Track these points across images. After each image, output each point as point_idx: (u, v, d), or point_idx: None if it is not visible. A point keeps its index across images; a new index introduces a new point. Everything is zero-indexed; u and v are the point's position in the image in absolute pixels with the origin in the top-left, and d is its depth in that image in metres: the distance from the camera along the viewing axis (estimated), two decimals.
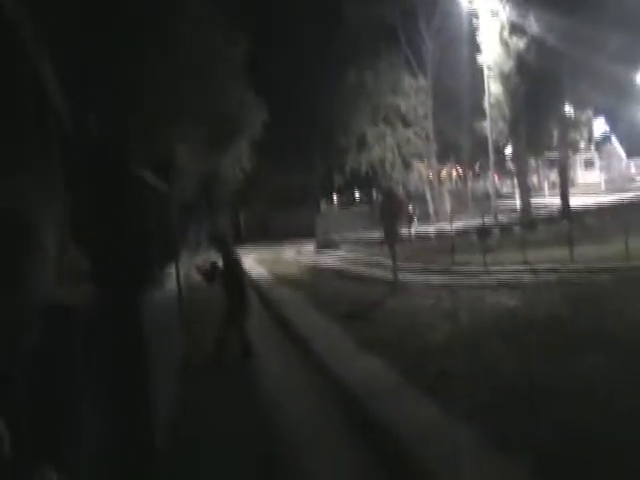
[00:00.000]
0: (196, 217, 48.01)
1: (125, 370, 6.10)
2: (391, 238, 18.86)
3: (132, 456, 5.99)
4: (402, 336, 12.77)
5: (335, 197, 63.71)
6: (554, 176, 61.92)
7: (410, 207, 38.32)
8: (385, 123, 50.05)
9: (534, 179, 66.86)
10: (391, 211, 18.54)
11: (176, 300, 13.13)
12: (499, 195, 55.00)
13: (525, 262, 20.64)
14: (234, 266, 13.37)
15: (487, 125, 35.32)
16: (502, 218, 37.96)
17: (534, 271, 19.09)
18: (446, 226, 34.76)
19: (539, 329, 12.10)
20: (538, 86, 32.10)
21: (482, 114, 36.61)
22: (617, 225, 23.02)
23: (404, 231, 31.37)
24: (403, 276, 20.79)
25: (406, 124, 50.02)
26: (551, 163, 60.15)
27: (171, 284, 12.25)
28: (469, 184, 62.05)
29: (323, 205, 59.60)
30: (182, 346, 12.98)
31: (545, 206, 42.77)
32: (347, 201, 63.94)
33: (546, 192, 50.67)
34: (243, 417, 9.40)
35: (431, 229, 35.23)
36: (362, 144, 49.87)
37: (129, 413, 6.02)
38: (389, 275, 19.82)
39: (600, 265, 18.23)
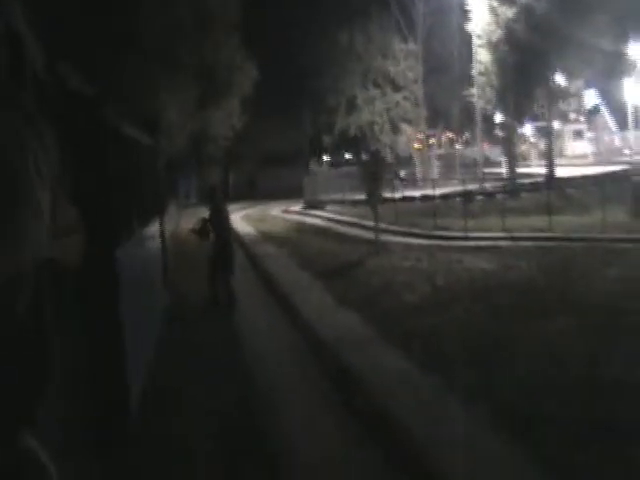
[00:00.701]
0: (186, 172, 48.39)
1: (99, 326, 5.97)
2: (373, 200, 19.30)
3: (105, 415, 5.90)
4: (377, 293, 13.30)
5: (325, 157, 63.95)
6: (543, 146, 62.32)
7: (397, 171, 38.76)
8: (375, 86, 50.33)
9: (523, 148, 67.21)
10: (373, 174, 18.97)
11: (159, 253, 13.08)
12: (489, 163, 55.42)
13: (504, 229, 21.19)
14: (222, 217, 13.90)
15: (475, 93, 35.67)
16: (488, 185, 38.44)
17: (512, 238, 19.63)
18: (433, 190, 35.21)
19: (510, 291, 12.63)
20: (526, 56, 32.41)
21: (471, 82, 36.95)
22: (598, 196, 23.58)
23: (389, 194, 31.86)
24: (385, 237, 21.31)
25: (395, 88, 50.31)
26: (541, 133, 60.49)
27: (155, 236, 12.37)
28: (458, 150, 62.42)
29: (313, 165, 59.86)
30: (164, 298, 12.92)
31: (532, 175, 43.26)
32: (337, 162, 64.20)
33: (533, 161, 51.09)
34: (223, 364, 9.89)
35: (417, 193, 35.65)
36: (351, 106, 50.17)
37: (102, 372, 5.89)
38: (371, 235, 20.29)
39: (575, 234, 18.80)
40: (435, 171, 53.21)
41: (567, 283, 12.87)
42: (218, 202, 14.17)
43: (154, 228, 12.27)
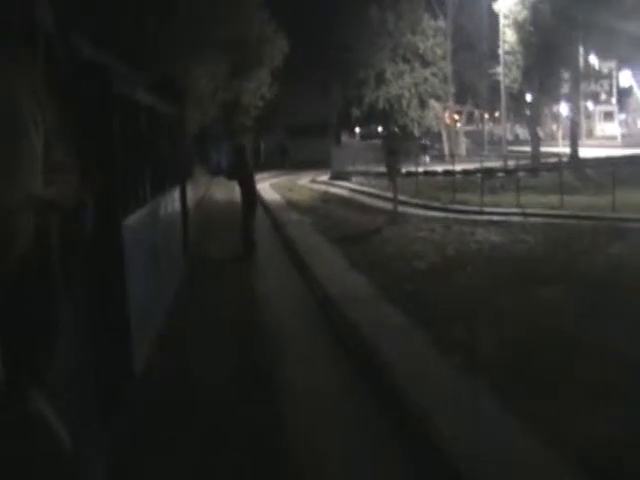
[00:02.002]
0: (218, 141, 49.43)
1: (105, 292, 5.85)
2: (392, 173, 20.24)
3: (108, 380, 5.70)
4: (389, 259, 14.25)
5: (358, 129, 64.63)
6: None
7: (423, 143, 39.44)
8: (403, 61, 51.03)
9: (553, 127, 67.43)
10: (393, 148, 19.92)
11: (179, 220, 13.14)
12: (519, 141, 55.87)
13: (518, 205, 21.99)
14: (247, 173, 16.29)
15: (501, 71, 36.30)
16: (512, 163, 39.06)
17: (524, 214, 20.46)
18: (459, 166, 36.00)
19: (511, 262, 13.55)
20: (551, 37, 32.94)
21: (498, 60, 37.56)
22: (617, 178, 24.24)
23: (413, 168, 32.73)
24: (404, 209, 22.26)
25: (424, 64, 51.00)
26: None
27: (175, 204, 12.54)
28: (488, 127, 62.92)
29: (344, 137, 60.58)
30: (180, 265, 12.78)
31: (557, 154, 43.78)
32: (368, 134, 64.84)
33: (560, 141, 51.57)
34: (240, 314, 10.93)
35: (440, 168, 36.37)
36: (380, 80, 50.91)
37: (107, 336, 5.76)
38: (391, 206, 21.20)
39: (585, 213, 19.59)
40: (463, 147, 53.87)
41: (566, 256, 13.71)
42: (245, 158, 16.77)
43: (174, 195, 12.41)
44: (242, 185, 16.31)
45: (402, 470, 5.67)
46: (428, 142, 53.06)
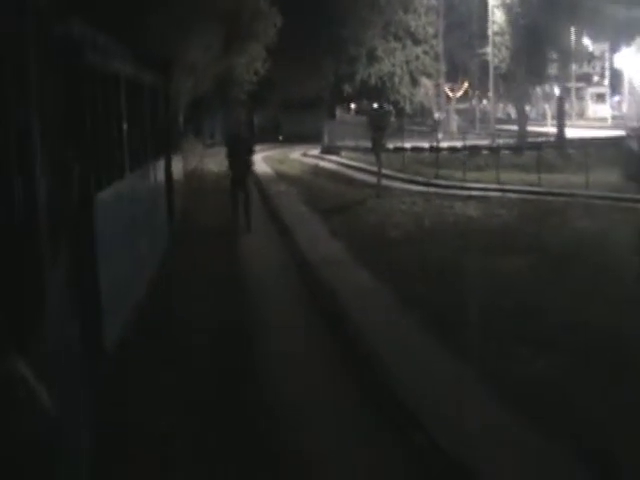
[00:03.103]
0: (211, 114, 50.12)
1: (78, 265, 5.54)
2: (377, 148, 21.08)
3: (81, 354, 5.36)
4: (367, 229, 15.17)
5: (353, 105, 65.22)
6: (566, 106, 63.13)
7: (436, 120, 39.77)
8: (395, 39, 51.70)
9: (545, 107, 68.02)
10: (378, 124, 20.75)
11: (162, 191, 12.98)
12: (511, 120, 56.50)
13: (498, 181, 22.84)
14: (244, 146, 16.40)
15: (490, 51, 37.01)
16: (500, 141, 39.80)
17: (502, 190, 21.30)
18: (448, 143, 36.72)
19: (483, 233, 14.43)
20: (540, 18, 33.62)
21: (488, 40, 38.27)
22: (598, 158, 25.09)
23: (400, 144, 33.52)
24: (389, 183, 23.09)
25: (415, 42, 51.66)
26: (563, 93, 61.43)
27: (159, 177, 12.39)
28: (481, 106, 63.63)
29: (340, 112, 61.15)
30: (164, 237, 12.70)
31: (545, 134, 44.53)
32: (362, 110, 65.38)
33: (549, 121, 52.37)
34: (220, 281, 11.76)
35: (427, 144, 37.01)
36: (372, 57, 51.56)
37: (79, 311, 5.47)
38: (376, 180, 22.00)
39: (559, 190, 20.46)
40: (454, 124, 54.59)
41: (535, 230, 14.58)
42: (239, 132, 17.41)
43: (157, 167, 12.22)
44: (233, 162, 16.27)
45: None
46: (440, 120, 53.78)
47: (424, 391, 6.28)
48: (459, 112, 61.19)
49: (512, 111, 66.36)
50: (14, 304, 3.31)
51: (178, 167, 16.36)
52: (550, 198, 19.59)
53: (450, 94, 57.83)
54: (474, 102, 62.96)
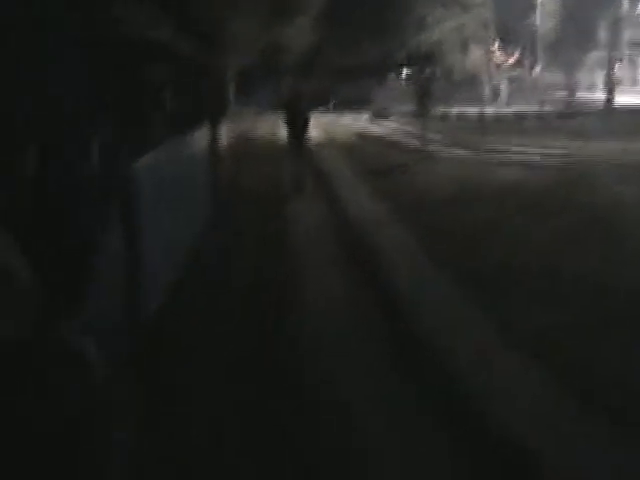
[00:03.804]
0: (262, 82, 50.88)
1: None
2: (422, 113, 21.69)
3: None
4: (409, 191, 15.83)
5: (406, 71, 65.50)
6: (620, 73, 62.58)
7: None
8: (443, 7, 51.91)
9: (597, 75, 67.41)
10: (422, 90, 21.35)
11: (206, 160, 13.05)
12: (561, 87, 56.28)
13: (541, 146, 23.23)
14: (300, 112, 16.64)
15: (538, 19, 37.13)
16: (550, 108, 39.99)
17: (543, 154, 21.75)
18: (499, 109, 37.06)
19: (528, 197, 14.99)
20: None
21: (536, 8, 38.36)
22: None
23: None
24: (435, 147, 23.71)
25: (464, 9, 51.77)
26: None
27: (202, 144, 12.44)
28: (532, 73, 63.41)
29: (390, 78, 61.48)
30: (206, 207, 12.69)
31: (594, 101, 44.47)
32: (414, 76, 65.55)
33: (599, 88, 52.16)
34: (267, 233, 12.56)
35: (474, 111, 37.35)
36: (421, 25, 51.87)
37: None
38: (420, 145, 22.64)
39: (592, 158, 20.85)
40: (504, 91, 54.64)
41: (571, 193, 15.13)
42: (296, 100, 17.01)
43: (200, 135, 12.26)
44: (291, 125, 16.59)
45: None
46: (502, 86, 53.80)
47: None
48: (510, 79, 61.10)
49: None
50: (67, 276, 3.24)
51: (225, 134, 16.59)
52: (589, 163, 19.99)
53: (501, 61, 57.77)
54: (526, 70, 62.73)
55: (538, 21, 37.61)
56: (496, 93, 52.74)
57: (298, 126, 16.46)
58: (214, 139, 14.10)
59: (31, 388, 1.72)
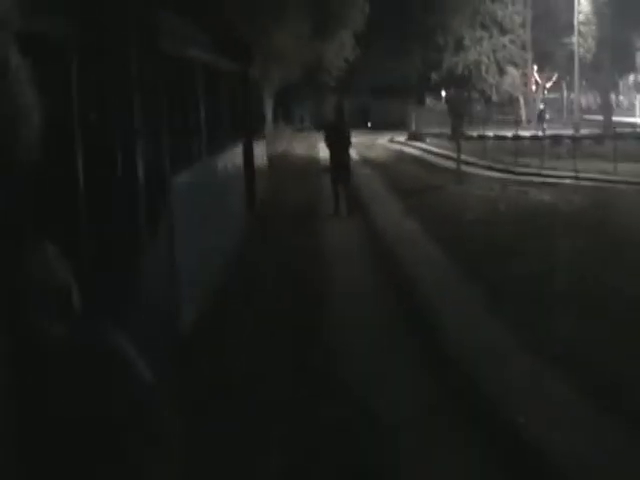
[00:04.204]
0: (300, 99, 51.72)
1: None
2: (456, 135, 22.12)
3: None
4: (439, 209, 16.29)
5: (443, 93, 66.08)
6: None
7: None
8: (482, 28, 52.41)
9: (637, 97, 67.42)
10: (457, 112, 21.79)
11: (241, 177, 12.96)
12: (598, 110, 56.38)
13: (575, 169, 23.52)
14: (343, 132, 16.59)
15: (575, 41, 37.44)
16: (585, 131, 40.16)
17: (577, 177, 22.07)
18: (535, 132, 37.32)
19: (551, 216, 15.37)
20: (626, 6, 33.90)
21: (572, 30, 38.70)
22: None
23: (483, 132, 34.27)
24: (469, 169, 24.12)
25: (502, 31, 52.24)
26: None
27: (237, 162, 12.40)
28: (569, 95, 63.62)
29: (428, 100, 62.04)
30: (241, 221, 12.58)
31: (632, 125, 44.61)
32: (449, 97, 66.07)
33: (638, 111, 52.32)
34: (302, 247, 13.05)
35: (510, 133, 37.73)
36: (459, 46, 52.44)
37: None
38: (455, 166, 23.05)
39: (634, 179, 21.09)
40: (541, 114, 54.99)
41: (599, 216, 15.44)
42: (339, 118, 17.32)
43: (235, 152, 12.20)
44: (333, 148, 16.46)
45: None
46: (545, 110, 54.08)
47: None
48: (548, 102, 61.32)
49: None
50: (112, 278, 3.55)
51: (261, 151, 16.47)
52: (623, 186, 20.27)
53: (538, 83, 58.08)
54: (564, 92, 62.98)
55: (575, 43, 37.80)
56: (531, 115, 53.01)
57: (340, 144, 16.34)
58: (249, 157, 14.09)
59: (71, 386, 1.71)
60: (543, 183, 21.06)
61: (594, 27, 36.73)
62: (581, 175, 22.45)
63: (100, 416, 1.72)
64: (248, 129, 14.05)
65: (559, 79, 59.29)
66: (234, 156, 11.92)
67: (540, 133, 36.58)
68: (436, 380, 6.68)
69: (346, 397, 6.19)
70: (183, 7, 7.66)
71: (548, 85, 60.68)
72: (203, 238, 7.98)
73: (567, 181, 21.62)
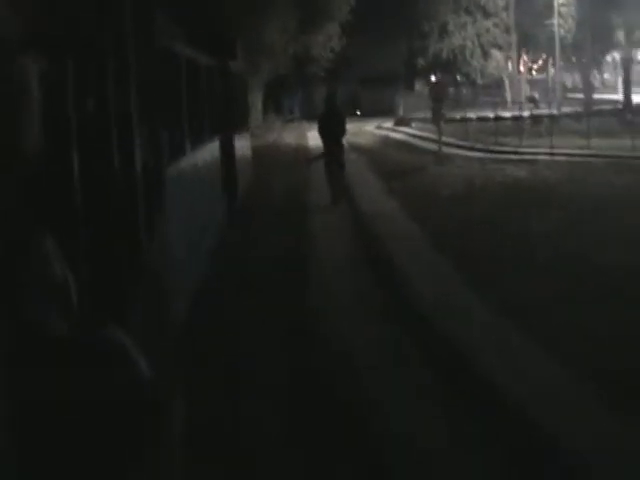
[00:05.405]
0: (290, 91, 52.75)
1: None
2: (437, 118, 23.25)
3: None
4: (420, 189, 17.38)
5: (433, 78, 67.11)
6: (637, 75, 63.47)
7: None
8: (466, 13, 53.52)
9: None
10: (437, 96, 22.90)
11: (218, 172, 12.42)
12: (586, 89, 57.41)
13: (551, 146, 24.63)
14: (337, 121, 16.61)
15: (555, 22, 38.49)
16: (566, 109, 41.25)
17: (552, 154, 23.22)
18: (518, 112, 38.34)
19: (527, 191, 16.40)
20: None
21: (553, 12, 39.74)
22: None
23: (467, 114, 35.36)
24: (450, 150, 25.23)
25: (486, 15, 53.41)
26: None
27: (215, 156, 12.01)
28: (550, 75, 64.73)
29: (418, 86, 63.04)
30: (219, 216, 12.14)
31: (612, 102, 45.61)
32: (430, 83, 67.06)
33: (620, 89, 53.27)
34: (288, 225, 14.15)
35: (492, 114, 38.75)
36: (443, 32, 53.55)
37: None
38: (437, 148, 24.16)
39: (605, 152, 22.20)
40: (523, 95, 56.01)
41: (570, 187, 16.54)
42: (332, 106, 17.46)
43: (213, 147, 11.82)
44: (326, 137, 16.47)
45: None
46: (536, 95, 55.00)
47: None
48: (535, 82, 62.38)
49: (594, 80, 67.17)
50: (112, 276, 3.53)
51: (245, 144, 16.35)
52: (593, 159, 21.38)
53: (525, 64, 59.16)
54: (550, 73, 64.01)
55: (555, 24, 38.87)
56: (516, 96, 54.03)
57: (334, 133, 16.40)
58: (229, 151, 13.80)
59: (82, 384, 1.73)
60: (520, 160, 22.19)
61: (573, 8, 37.83)
62: (556, 151, 23.59)
63: (102, 414, 1.73)
64: (229, 123, 13.79)
65: (546, 60, 60.35)
66: (213, 151, 11.60)
67: (524, 114, 37.68)
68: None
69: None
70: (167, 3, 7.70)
71: (535, 66, 61.81)
72: (190, 230, 7.96)
73: (542, 157, 22.76)
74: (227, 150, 13.43)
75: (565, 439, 4.91)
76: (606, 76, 74.88)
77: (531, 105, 40.78)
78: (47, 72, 2.16)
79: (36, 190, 1.93)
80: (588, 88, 41.21)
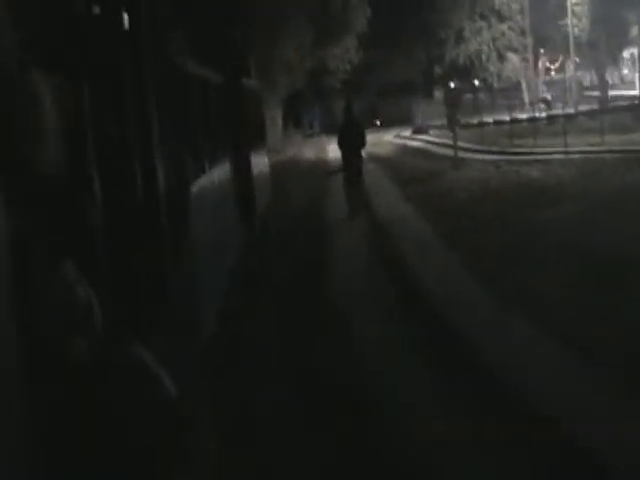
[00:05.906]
0: (309, 105, 53.33)
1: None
2: (452, 124, 23.79)
3: None
4: (436, 194, 17.92)
5: (452, 85, 67.50)
6: None
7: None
8: (481, 18, 54.10)
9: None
10: (452, 102, 23.46)
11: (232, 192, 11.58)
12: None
13: (565, 145, 25.02)
14: (356, 133, 16.44)
15: (569, 22, 38.90)
16: (583, 108, 41.55)
17: (566, 152, 23.63)
18: (535, 114, 38.73)
19: (541, 190, 16.80)
20: None
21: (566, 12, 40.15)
22: None
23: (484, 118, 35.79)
24: (467, 155, 25.73)
25: (501, 19, 53.96)
26: None
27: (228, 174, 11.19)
28: (568, 75, 64.90)
29: (437, 93, 63.51)
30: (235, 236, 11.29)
31: (630, 98, 45.80)
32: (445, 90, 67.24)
33: (637, 85, 53.50)
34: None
35: (508, 117, 39.16)
36: (459, 38, 54.11)
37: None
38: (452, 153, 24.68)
39: (618, 148, 22.57)
40: (540, 95, 56.30)
41: (582, 184, 16.96)
42: (351, 118, 17.35)
43: (226, 165, 11.05)
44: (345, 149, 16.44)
45: None
46: (549, 96, 55.25)
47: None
48: (553, 83, 62.57)
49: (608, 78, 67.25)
50: (136, 293, 3.54)
51: (262, 162, 16.26)
52: (607, 155, 21.74)
53: (544, 66, 59.44)
54: (567, 72, 64.20)
55: (569, 24, 39.31)
56: (533, 98, 54.30)
57: (352, 146, 16.32)
58: (247, 168, 13.50)
59: (94, 402, 1.74)
60: (535, 160, 22.62)
61: (586, 7, 38.27)
62: (570, 149, 23.99)
63: (124, 433, 1.74)
64: (245, 141, 13.53)
65: (564, 60, 60.59)
66: (229, 169, 11.20)
67: (541, 114, 38.09)
68: None
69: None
70: (184, 30, 7.67)
71: (553, 67, 62.09)
72: (212, 247, 7.81)
73: (557, 156, 23.15)
74: (243, 167, 12.98)
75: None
76: (625, 72, 74.92)
77: (543, 106, 41.22)
78: (63, 88, 2.23)
79: (57, 211, 1.95)
80: (603, 85, 41.52)
